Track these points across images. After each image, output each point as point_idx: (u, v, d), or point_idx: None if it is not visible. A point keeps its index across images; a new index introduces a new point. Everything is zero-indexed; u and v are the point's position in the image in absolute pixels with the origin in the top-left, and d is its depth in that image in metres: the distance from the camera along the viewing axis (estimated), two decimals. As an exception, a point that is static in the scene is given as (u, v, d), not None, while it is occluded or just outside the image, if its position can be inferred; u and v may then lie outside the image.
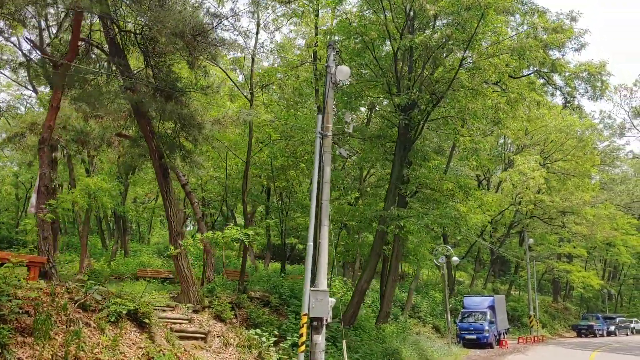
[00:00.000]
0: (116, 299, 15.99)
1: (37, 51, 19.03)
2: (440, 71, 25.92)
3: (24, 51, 28.10)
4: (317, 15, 27.80)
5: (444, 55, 25.78)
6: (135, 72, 19.54)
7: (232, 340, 19.34)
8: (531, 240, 51.51)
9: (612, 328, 56.30)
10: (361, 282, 25.58)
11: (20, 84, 42.40)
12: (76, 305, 15.06)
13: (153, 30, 17.03)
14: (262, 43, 23.89)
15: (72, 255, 36.16)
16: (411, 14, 24.80)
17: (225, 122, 18.80)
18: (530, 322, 48.88)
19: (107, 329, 15.08)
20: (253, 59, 23.35)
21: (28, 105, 43.48)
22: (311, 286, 19.93)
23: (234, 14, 17.56)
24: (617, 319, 58.44)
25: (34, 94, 38.24)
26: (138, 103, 17.06)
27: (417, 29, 24.74)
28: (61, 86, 18.11)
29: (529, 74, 31.14)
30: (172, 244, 19.84)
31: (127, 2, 17.33)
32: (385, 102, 29.03)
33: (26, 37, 23.36)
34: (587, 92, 32.24)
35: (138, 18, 18.35)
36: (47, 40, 23.94)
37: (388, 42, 25.57)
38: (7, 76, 41.10)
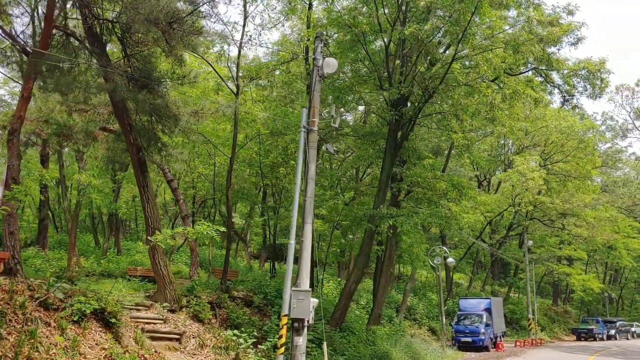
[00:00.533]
0: (80, 297, 15.02)
1: (8, 39, 18.08)
2: (437, 68, 24.93)
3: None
4: (310, 8, 26.79)
5: (439, 50, 24.78)
6: (114, 62, 18.58)
7: (208, 341, 18.34)
8: (530, 242, 50.27)
9: (612, 332, 54.95)
10: (349, 283, 24.55)
11: (15, 80, 41.63)
12: (36, 303, 14.12)
13: (127, 16, 16.07)
14: (250, 36, 22.78)
15: (62, 253, 35.23)
16: (403, 7, 23.77)
17: (204, 114, 17.84)
18: (528, 325, 47.65)
19: (68, 329, 14.11)
20: (239, 51, 22.37)
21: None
22: (293, 286, 18.99)
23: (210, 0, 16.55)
24: (618, 323, 57.08)
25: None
26: (110, 92, 16.10)
27: (409, 22, 23.67)
28: (32, 75, 17.18)
29: (527, 71, 30.03)
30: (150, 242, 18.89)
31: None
32: (380, 99, 27.99)
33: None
34: (586, 90, 31.10)
35: (114, 5, 17.40)
36: (21, 29, 23.04)
37: (380, 38, 24.56)
38: (3, 73, 40.29)
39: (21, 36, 18.66)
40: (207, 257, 42.87)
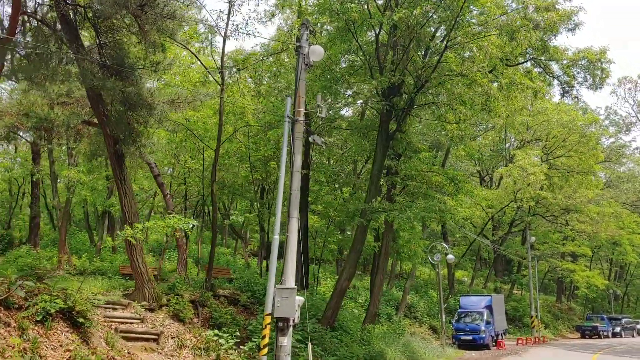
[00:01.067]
0: (45, 295, 14.02)
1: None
2: (430, 55, 23.86)
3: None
4: (301, -3, 25.72)
5: (433, 39, 23.69)
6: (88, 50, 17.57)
7: (188, 341, 17.33)
8: (533, 239, 48.99)
9: (617, 329, 53.55)
10: (341, 280, 23.47)
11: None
12: (-5, 302, 13.14)
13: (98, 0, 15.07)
14: (237, 25, 21.77)
15: (55, 251, 34.34)
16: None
17: (181, 103, 16.85)
18: (531, 323, 46.40)
19: (29, 330, 13.10)
20: (224, 41, 21.40)
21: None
22: (277, 284, 17.97)
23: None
24: (623, 320, 55.64)
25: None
26: (81, 80, 15.11)
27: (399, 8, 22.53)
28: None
29: (525, 62, 28.88)
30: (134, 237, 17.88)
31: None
32: (372, 90, 26.89)
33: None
34: (587, 81, 29.94)
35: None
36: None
37: (370, 27, 23.42)
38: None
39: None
40: (203, 255, 42.19)
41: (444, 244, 37.16)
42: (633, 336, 54.87)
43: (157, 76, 16.23)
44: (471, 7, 21.95)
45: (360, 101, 34.67)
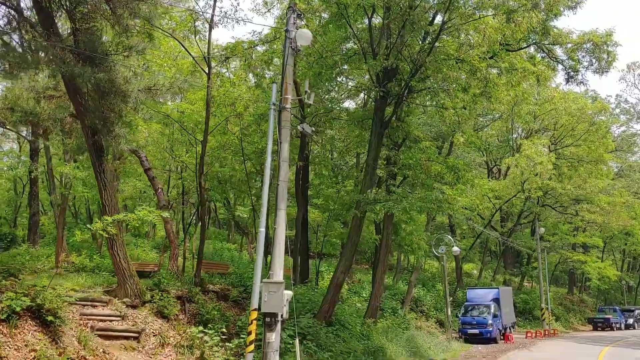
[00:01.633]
0: (10, 293, 13.15)
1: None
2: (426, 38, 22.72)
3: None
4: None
5: (429, 23, 22.53)
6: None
7: (171, 339, 16.43)
8: (543, 230, 47.62)
9: (630, 321, 51.96)
10: (337, 273, 22.43)
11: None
12: (-44, 300, 12.28)
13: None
14: (225, 12, 20.79)
15: (55, 248, 33.60)
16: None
17: (157, 91, 15.92)
18: (542, 315, 45.08)
19: (-8, 329, 12.23)
20: (210, 28, 20.40)
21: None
22: (264, 277, 17.03)
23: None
24: (636, 312, 53.98)
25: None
26: (51, 65, 14.22)
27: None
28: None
29: (527, 46, 27.59)
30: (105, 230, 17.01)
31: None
32: (366, 77, 25.78)
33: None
34: (592, 65, 28.49)
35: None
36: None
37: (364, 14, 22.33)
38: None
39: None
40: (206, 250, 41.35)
41: (449, 236, 35.95)
42: (646, 327, 53.35)
43: (129, 61, 15.28)
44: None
45: (363, 94, 33.68)
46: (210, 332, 16.81)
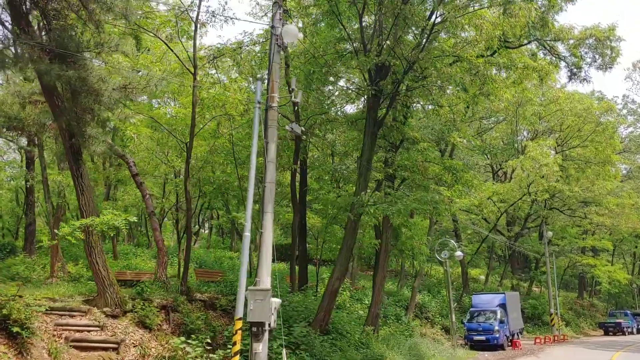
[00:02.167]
0: (-28, 303, 12.30)
1: None
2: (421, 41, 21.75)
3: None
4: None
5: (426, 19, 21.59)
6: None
7: (153, 350, 15.50)
8: (550, 234, 46.34)
9: (642, 325, 50.54)
10: (332, 280, 21.42)
11: None
12: None
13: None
14: (213, 11, 19.94)
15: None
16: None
17: (133, 89, 15.08)
18: (551, 321, 43.74)
19: (-51, 342, 11.35)
20: (196, 27, 19.58)
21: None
22: (250, 284, 16.13)
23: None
24: (648, 316, 52.53)
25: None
26: (19, 63, 13.43)
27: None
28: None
29: (528, 43, 26.61)
30: (84, 237, 16.19)
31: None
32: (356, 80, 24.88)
33: None
34: (596, 61, 27.52)
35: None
36: None
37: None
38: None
39: None
40: (209, 258, 40.35)
41: (452, 241, 34.82)
42: (659, 332, 51.74)
43: (102, 58, 14.47)
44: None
45: (363, 98, 32.68)
46: (193, 342, 15.86)
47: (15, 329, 12.56)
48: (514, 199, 42.83)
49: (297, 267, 27.80)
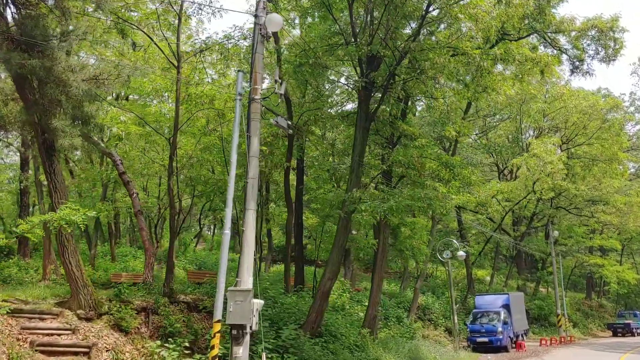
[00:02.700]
0: None
1: None
2: (414, 31, 20.70)
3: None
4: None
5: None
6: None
7: (127, 354, 14.57)
8: (556, 233, 45.02)
9: (652, 326, 48.95)
10: (323, 280, 20.39)
11: None
12: None
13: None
14: (200, 3, 19.01)
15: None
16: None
17: (105, 80, 14.19)
18: (558, 322, 42.42)
19: None
20: (180, 18, 18.69)
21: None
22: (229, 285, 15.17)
23: None
24: (658, 316, 50.93)
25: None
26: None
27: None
28: None
29: (528, 35, 25.53)
30: (58, 238, 15.33)
31: None
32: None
33: None
34: (598, 53, 26.37)
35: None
36: None
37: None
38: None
39: None
40: (210, 261, 39.41)
41: (455, 241, 33.66)
42: (670, 333, 50.14)
43: (67, 47, 13.56)
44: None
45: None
46: (170, 346, 14.93)
47: (-29, 333, 11.71)
48: (518, 197, 41.60)
49: (293, 268, 26.85)
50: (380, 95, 20.19)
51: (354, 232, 35.94)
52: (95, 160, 32.14)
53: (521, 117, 42.66)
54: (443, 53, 19.19)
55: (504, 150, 44.45)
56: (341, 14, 21.85)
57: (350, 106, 35.38)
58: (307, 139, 27.85)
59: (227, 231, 15.27)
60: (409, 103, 26.16)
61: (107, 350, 14.40)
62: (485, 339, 32.17)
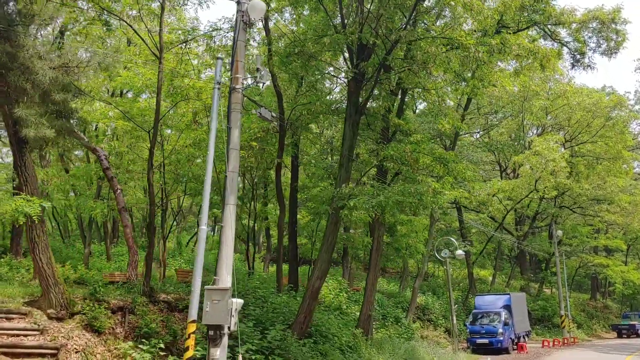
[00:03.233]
0: None
1: None
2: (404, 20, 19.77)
3: None
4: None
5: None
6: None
7: (98, 356, 13.72)
8: (560, 233, 43.92)
9: (657, 327, 47.65)
10: (312, 279, 19.47)
11: None
12: None
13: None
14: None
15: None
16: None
17: (75, 69, 13.36)
18: (561, 323, 41.31)
19: None
20: (163, 7, 17.84)
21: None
22: (208, 284, 14.32)
23: None
24: (664, 317, 49.58)
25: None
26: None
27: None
28: None
29: (527, 27, 24.55)
30: (28, 234, 14.52)
31: None
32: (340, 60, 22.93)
33: None
34: (600, 46, 25.37)
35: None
36: None
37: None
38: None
39: None
40: (209, 261, 38.61)
41: (453, 239, 32.65)
42: (676, 335, 48.82)
43: (27, 32, 12.73)
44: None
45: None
46: (145, 347, 14.08)
47: None
48: (520, 196, 40.52)
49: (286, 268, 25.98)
50: (368, 85, 19.26)
51: (351, 231, 35.12)
52: (82, 157, 31.38)
53: (523, 114, 41.63)
54: (436, 43, 18.30)
55: (506, 148, 43.41)
56: (335, 7, 20.94)
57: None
58: (301, 136, 26.95)
59: (204, 227, 14.42)
60: (406, 99, 25.29)
61: (76, 352, 13.55)
62: (485, 340, 31.14)
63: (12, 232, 32.86)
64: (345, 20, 18.96)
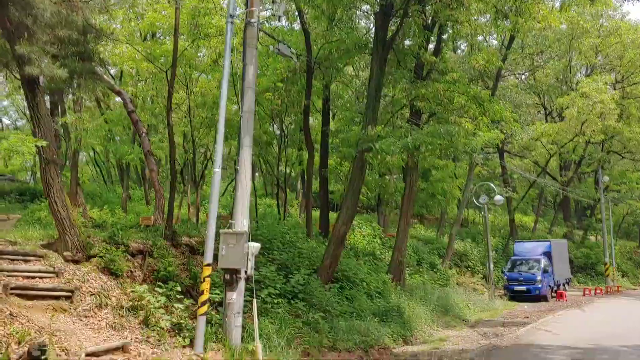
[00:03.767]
0: None
1: None
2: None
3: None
4: None
5: None
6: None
7: (113, 299, 13.42)
8: (607, 179, 41.94)
9: None
10: (338, 224, 18.74)
11: None
12: None
13: None
14: None
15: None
16: None
17: (79, 3, 12.59)
18: (605, 271, 39.81)
19: None
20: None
21: None
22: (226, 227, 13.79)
23: None
24: None
25: None
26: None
27: None
28: None
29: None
30: (43, 176, 14.17)
31: None
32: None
33: None
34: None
35: None
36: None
37: None
38: None
39: None
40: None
41: (492, 184, 31.25)
42: None
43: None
44: None
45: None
46: (160, 290, 13.74)
47: None
48: (565, 140, 38.48)
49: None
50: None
51: (386, 177, 34.10)
52: (121, 102, 31.03)
53: (571, 54, 39.08)
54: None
55: (552, 90, 41.09)
56: None
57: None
58: (333, 78, 25.74)
59: (218, 169, 13.81)
60: (444, 36, 23.74)
61: (91, 295, 13.27)
62: (523, 288, 30.23)
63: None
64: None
